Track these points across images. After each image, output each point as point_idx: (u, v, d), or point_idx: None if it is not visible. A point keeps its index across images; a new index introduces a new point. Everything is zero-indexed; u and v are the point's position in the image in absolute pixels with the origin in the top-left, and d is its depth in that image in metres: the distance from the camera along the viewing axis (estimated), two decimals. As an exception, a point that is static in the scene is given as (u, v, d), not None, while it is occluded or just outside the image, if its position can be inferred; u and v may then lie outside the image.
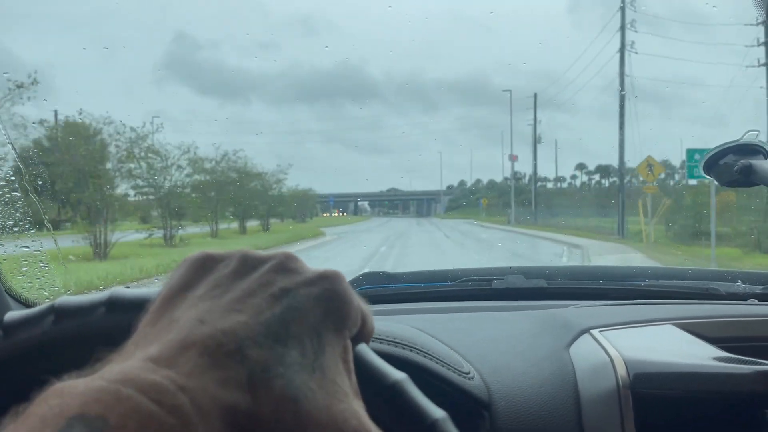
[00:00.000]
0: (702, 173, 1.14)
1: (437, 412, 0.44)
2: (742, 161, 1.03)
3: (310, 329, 0.36)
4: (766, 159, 1.06)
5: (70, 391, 0.29)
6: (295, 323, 0.36)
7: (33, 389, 0.30)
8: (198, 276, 0.39)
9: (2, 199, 1.09)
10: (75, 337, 0.47)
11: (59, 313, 0.47)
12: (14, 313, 0.49)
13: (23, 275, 1.21)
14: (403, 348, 0.82)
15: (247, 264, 0.39)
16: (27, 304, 1.16)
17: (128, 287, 0.51)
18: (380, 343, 0.81)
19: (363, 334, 0.43)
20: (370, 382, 0.42)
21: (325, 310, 0.38)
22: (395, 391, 0.43)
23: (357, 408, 0.36)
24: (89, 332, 0.46)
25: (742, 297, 1.38)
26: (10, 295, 1.13)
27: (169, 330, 0.34)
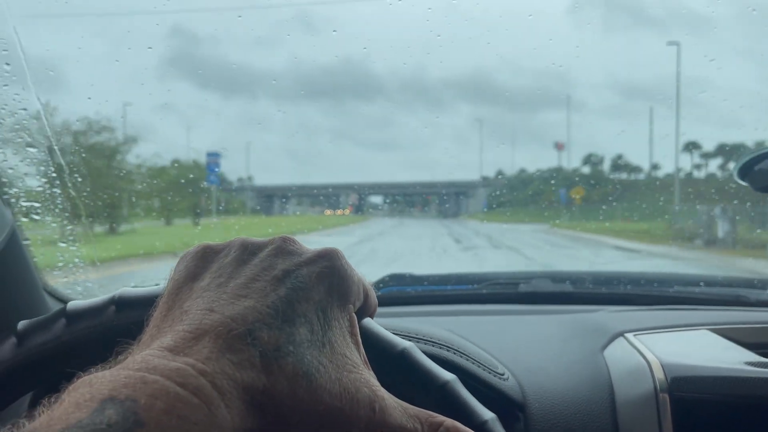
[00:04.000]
0: (736, 178, 1.14)
1: (446, 374, 0.46)
2: None
3: (316, 306, 0.38)
4: None
5: (98, 380, 0.30)
6: (300, 302, 0.37)
7: (53, 392, 0.31)
8: (200, 267, 0.40)
9: (42, 195, 1.11)
10: (88, 337, 0.48)
11: (70, 316, 0.49)
12: (26, 321, 0.50)
13: (59, 270, 1.23)
14: (440, 347, 0.82)
15: (247, 250, 0.41)
16: (63, 300, 1.18)
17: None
18: (417, 342, 0.82)
19: (367, 309, 0.45)
20: (379, 352, 0.44)
21: (328, 286, 0.39)
22: (404, 358, 0.45)
23: (368, 377, 0.38)
24: (102, 332, 0.48)
25: None
26: (47, 291, 1.16)
27: (181, 321, 0.35)
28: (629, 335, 0.94)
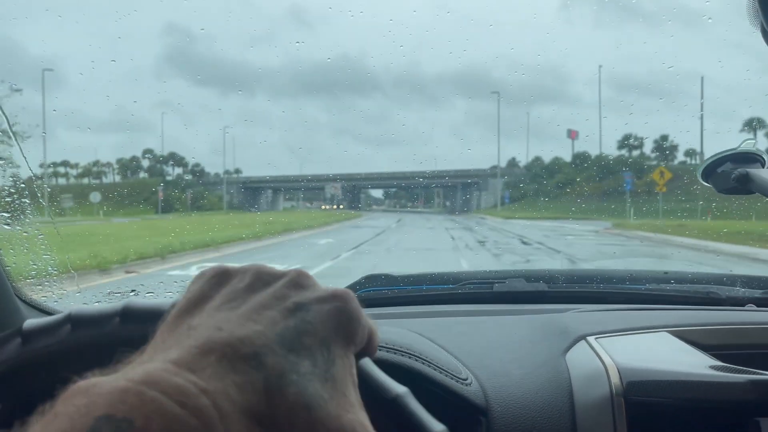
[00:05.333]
0: (699, 179, 1.16)
1: (436, 426, 0.45)
2: (739, 169, 1.05)
3: (321, 342, 0.38)
4: (763, 167, 1.08)
5: (95, 390, 0.30)
6: (307, 335, 0.37)
7: (50, 394, 0.31)
8: (214, 289, 0.41)
9: (12, 205, 1.11)
10: (90, 345, 0.49)
11: (75, 322, 0.50)
12: (33, 321, 0.51)
13: (33, 279, 1.23)
14: (402, 355, 0.84)
15: (262, 279, 0.41)
16: (38, 308, 1.18)
17: (145, 296, 0.53)
18: (379, 350, 0.83)
19: (369, 349, 0.45)
20: (373, 396, 0.44)
21: (336, 325, 0.40)
22: (397, 404, 0.45)
23: (363, 418, 0.38)
24: (104, 341, 0.49)
25: (741, 302, 1.39)
26: (20, 298, 1.16)
27: (188, 336, 0.35)
28: (591, 338, 0.96)
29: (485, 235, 12.71)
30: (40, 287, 1.26)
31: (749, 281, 1.51)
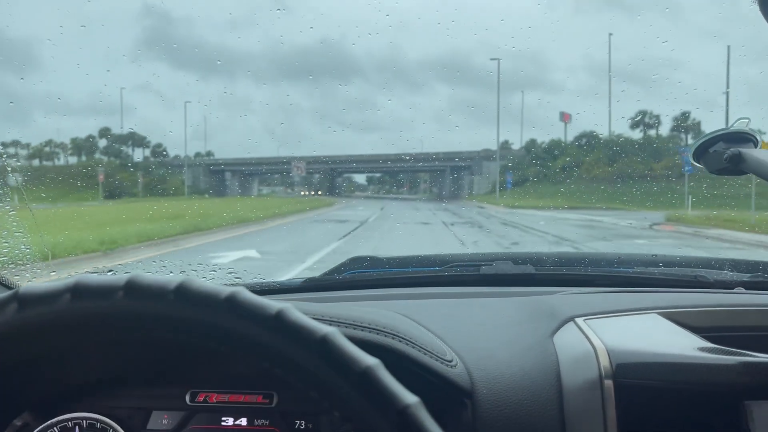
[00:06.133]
0: (691, 160, 1.14)
1: (409, 397, 0.43)
2: (731, 149, 1.03)
3: None
4: (756, 147, 1.06)
5: None
6: None
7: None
8: None
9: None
10: (40, 324, 0.46)
11: (23, 300, 0.47)
12: None
13: (5, 257, 1.19)
14: (385, 336, 0.81)
15: None
16: (8, 286, 1.15)
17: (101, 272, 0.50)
18: (362, 330, 0.81)
19: None
20: (342, 370, 0.42)
21: None
22: (367, 377, 0.43)
23: None
24: (54, 319, 0.46)
25: (729, 285, 1.38)
26: None
27: None
28: (579, 320, 0.94)
29: (507, 236, 8.84)
30: (13, 266, 1.22)
31: (737, 265, 1.50)
